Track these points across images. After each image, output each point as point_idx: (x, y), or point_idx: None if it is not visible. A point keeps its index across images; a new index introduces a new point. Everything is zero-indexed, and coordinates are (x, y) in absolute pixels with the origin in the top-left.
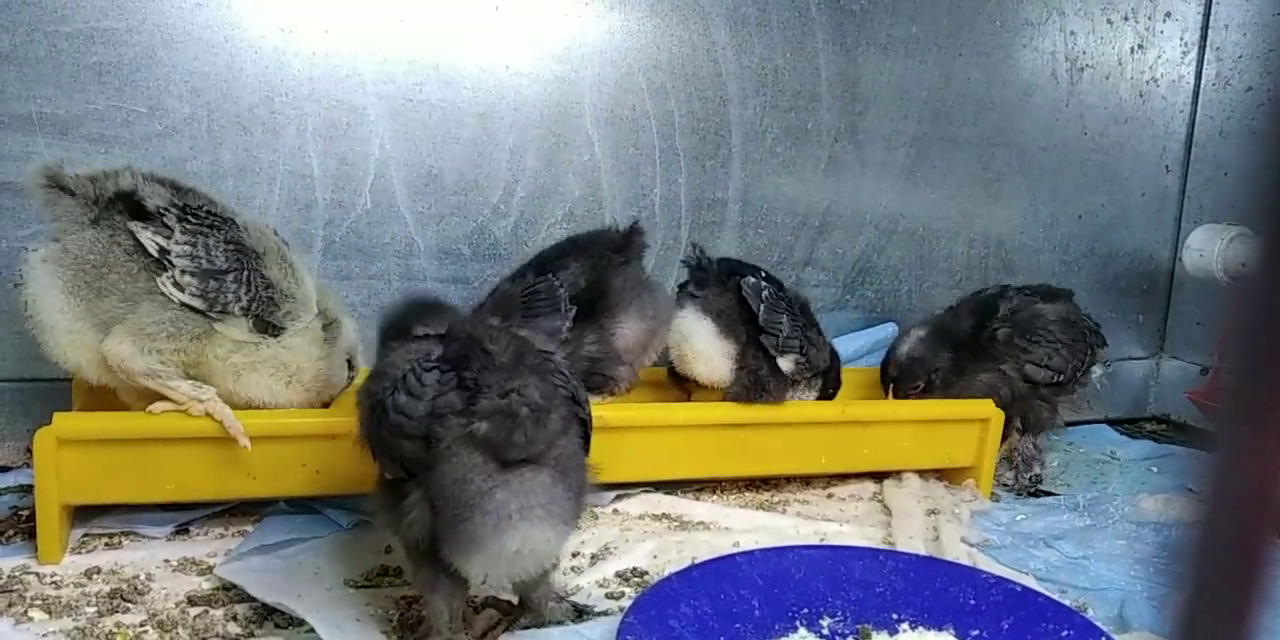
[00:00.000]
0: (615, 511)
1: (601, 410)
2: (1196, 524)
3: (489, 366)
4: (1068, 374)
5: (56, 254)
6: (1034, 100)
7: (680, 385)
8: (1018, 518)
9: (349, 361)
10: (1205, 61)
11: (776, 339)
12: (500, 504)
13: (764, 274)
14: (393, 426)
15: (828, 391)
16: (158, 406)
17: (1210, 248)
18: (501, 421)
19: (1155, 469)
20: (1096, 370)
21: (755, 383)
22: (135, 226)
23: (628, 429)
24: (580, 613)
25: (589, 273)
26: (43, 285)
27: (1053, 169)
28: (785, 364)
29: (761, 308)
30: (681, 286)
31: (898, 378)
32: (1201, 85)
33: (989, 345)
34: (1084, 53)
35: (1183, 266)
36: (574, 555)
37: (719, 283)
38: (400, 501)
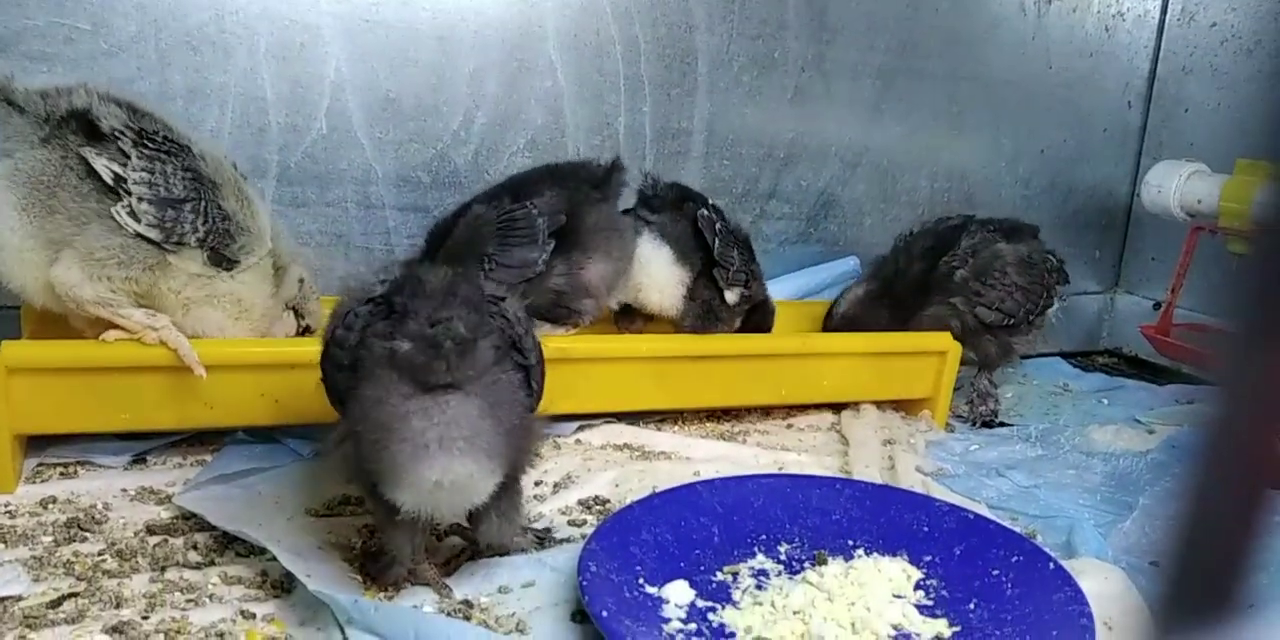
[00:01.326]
0: (578, 442)
1: (564, 342)
2: (1199, 457)
3: (419, 293)
4: (1019, 317)
5: (9, 170)
6: (1001, 33)
7: (626, 318)
8: (971, 448)
9: (296, 310)
10: None
11: (728, 272)
12: (418, 432)
13: (709, 202)
14: (330, 359)
15: (751, 324)
16: (110, 334)
17: (1168, 184)
18: (424, 344)
19: (1106, 401)
20: (1054, 313)
21: (708, 312)
22: (88, 153)
23: (590, 360)
24: (542, 541)
25: (565, 204)
26: None
27: (1017, 103)
28: (731, 296)
29: (716, 241)
30: (627, 211)
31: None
32: (1166, 20)
33: (944, 280)
34: None
35: (1140, 202)
36: (537, 484)
37: (674, 208)
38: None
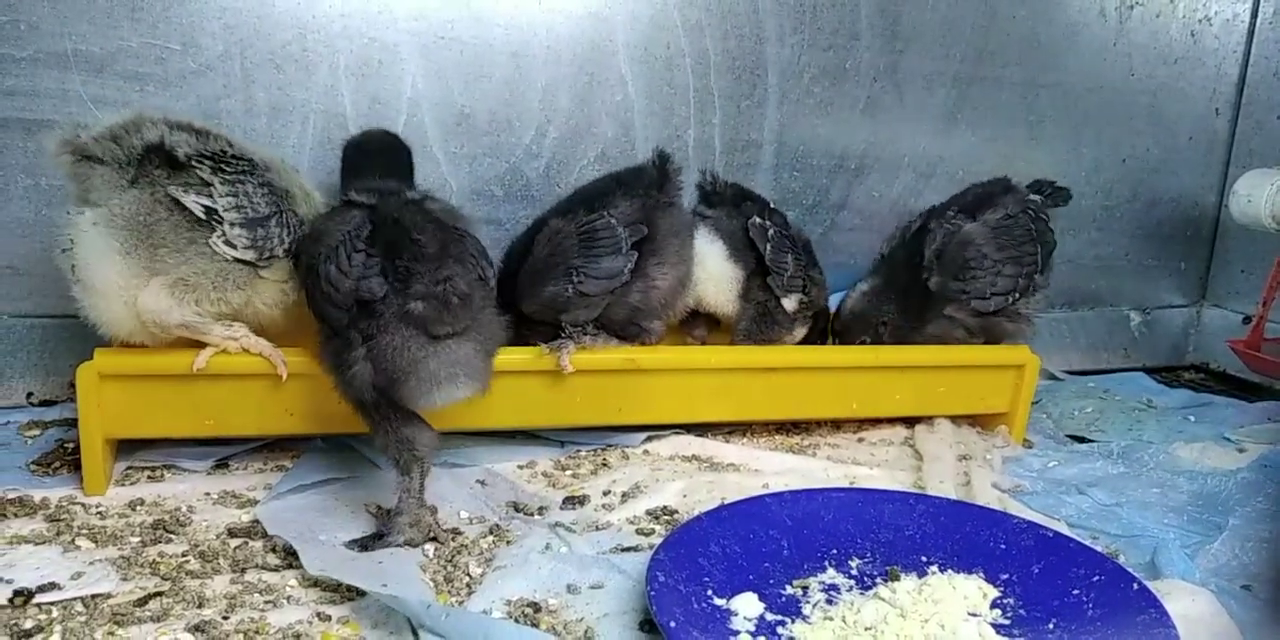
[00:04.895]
0: (646, 452)
1: (633, 352)
2: None
3: (419, 257)
4: (1020, 289)
5: (106, 218)
6: (1081, 39)
7: (690, 322)
8: (1050, 464)
9: None
10: None
11: (782, 279)
12: (431, 372)
13: (769, 206)
14: (324, 294)
15: (818, 328)
16: (202, 359)
17: (1259, 193)
18: (434, 304)
19: (1192, 418)
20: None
21: (764, 315)
22: (176, 192)
23: (659, 371)
24: None
25: (641, 213)
26: (97, 249)
27: (1098, 111)
28: (789, 303)
29: (768, 248)
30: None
31: (841, 334)
32: (1257, 24)
33: (929, 294)
34: None
35: (1228, 212)
36: (605, 493)
37: (732, 205)
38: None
